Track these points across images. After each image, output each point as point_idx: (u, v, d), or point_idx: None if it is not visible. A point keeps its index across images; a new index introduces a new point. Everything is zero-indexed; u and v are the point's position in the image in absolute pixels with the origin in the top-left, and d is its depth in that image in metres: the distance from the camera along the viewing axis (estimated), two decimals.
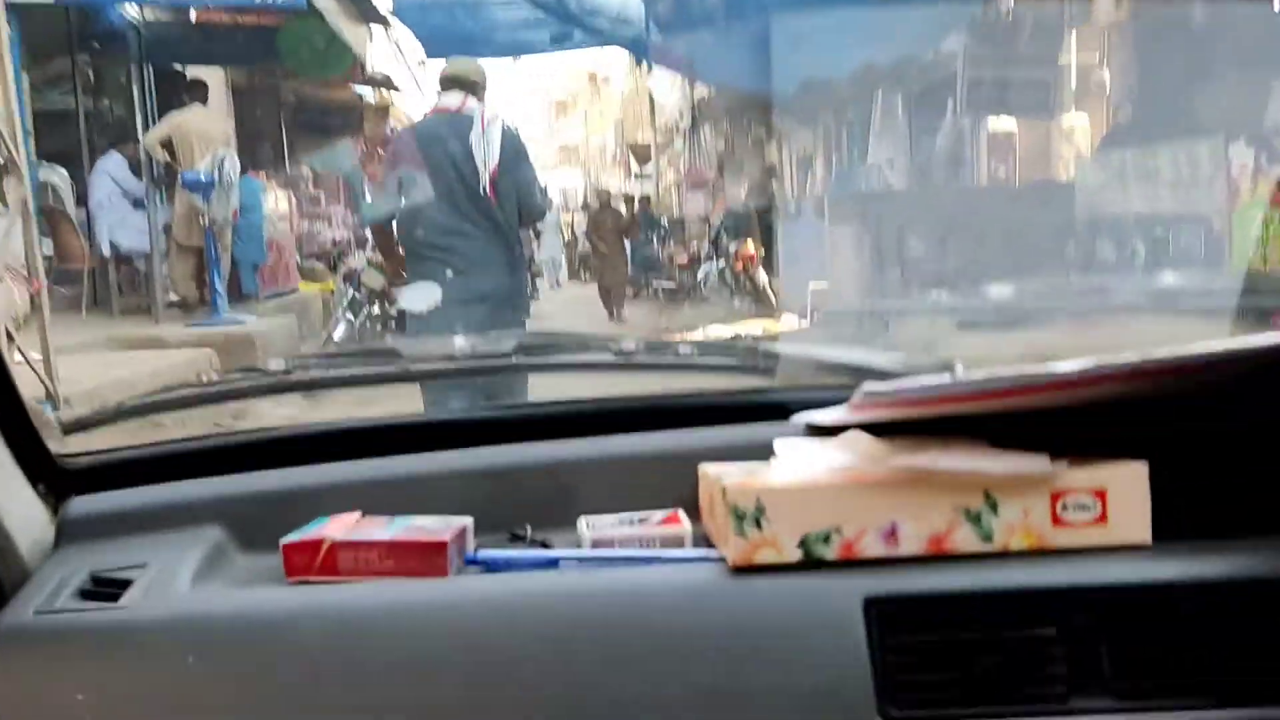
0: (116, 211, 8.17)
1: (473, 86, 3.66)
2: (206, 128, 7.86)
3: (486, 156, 3.50)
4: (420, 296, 3.51)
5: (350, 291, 6.31)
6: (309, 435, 1.19)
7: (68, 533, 1.05)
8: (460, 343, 1.24)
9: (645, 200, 15.97)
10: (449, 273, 3.51)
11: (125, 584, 0.95)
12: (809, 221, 11.04)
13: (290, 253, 10.06)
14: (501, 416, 1.24)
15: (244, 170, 8.23)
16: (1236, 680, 0.86)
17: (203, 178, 7.31)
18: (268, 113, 12.41)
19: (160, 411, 1.21)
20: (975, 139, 9.45)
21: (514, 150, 3.61)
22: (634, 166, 23.99)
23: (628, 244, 13.33)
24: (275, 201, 10.03)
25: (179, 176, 7.56)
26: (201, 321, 7.45)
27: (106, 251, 8.10)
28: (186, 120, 7.82)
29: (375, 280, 5.81)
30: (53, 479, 1.08)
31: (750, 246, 11.08)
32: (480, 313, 3.45)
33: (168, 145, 7.71)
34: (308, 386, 1.22)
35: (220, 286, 7.53)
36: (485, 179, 3.49)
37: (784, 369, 1.39)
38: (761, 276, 11.00)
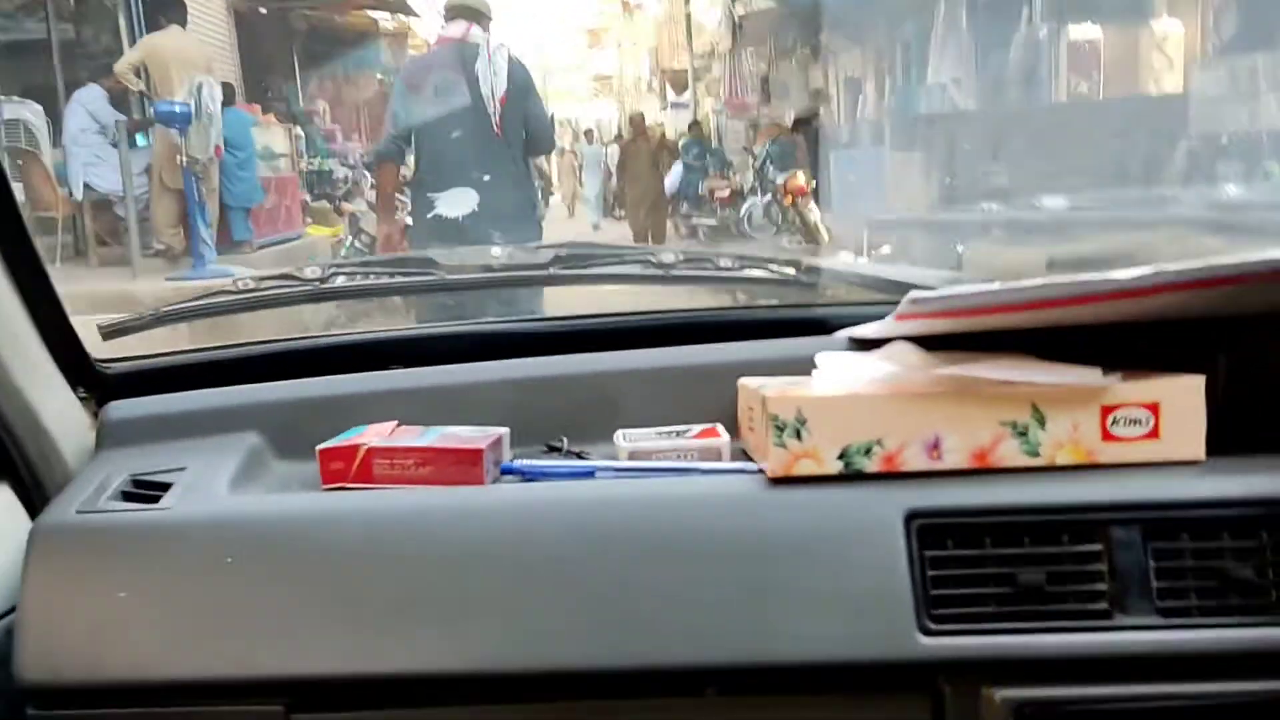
0: (91, 149, 7.10)
1: (477, 15, 3.57)
2: (185, 52, 6.95)
3: (493, 87, 3.45)
4: (456, 201, 3.44)
5: (350, 239, 5.65)
6: (346, 344, 1.18)
7: (107, 437, 1.06)
8: (497, 252, 1.22)
9: (696, 125, 14.55)
10: (450, 208, 3.48)
11: (165, 486, 0.96)
12: (865, 150, 10.23)
13: (294, 194, 9.25)
14: (540, 328, 1.22)
15: (230, 100, 7.33)
16: None
17: (176, 108, 6.40)
18: (274, 40, 11.75)
19: (197, 318, 1.21)
20: (1054, 50, 8.19)
21: (521, 81, 3.55)
22: (670, 95, 22.90)
23: (670, 178, 11.88)
24: (279, 137, 9.48)
25: (153, 108, 6.70)
26: (183, 275, 6.43)
27: (79, 193, 7.05)
28: (162, 44, 6.89)
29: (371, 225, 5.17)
30: (92, 384, 1.08)
31: (800, 179, 9.80)
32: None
33: (141, 72, 6.85)
34: (343, 295, 1.21)
35: (205, 234, 6.68)
36: (493, 109, 3.44)
37: (826, 284, 1.36)
38: (813, 212, 9.78)
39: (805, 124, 11.52)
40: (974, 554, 0.87)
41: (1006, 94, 8.48)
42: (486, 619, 0.86)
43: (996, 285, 0.89)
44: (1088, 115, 7.40)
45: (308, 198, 9.93)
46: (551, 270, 1.22)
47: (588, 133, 15.61)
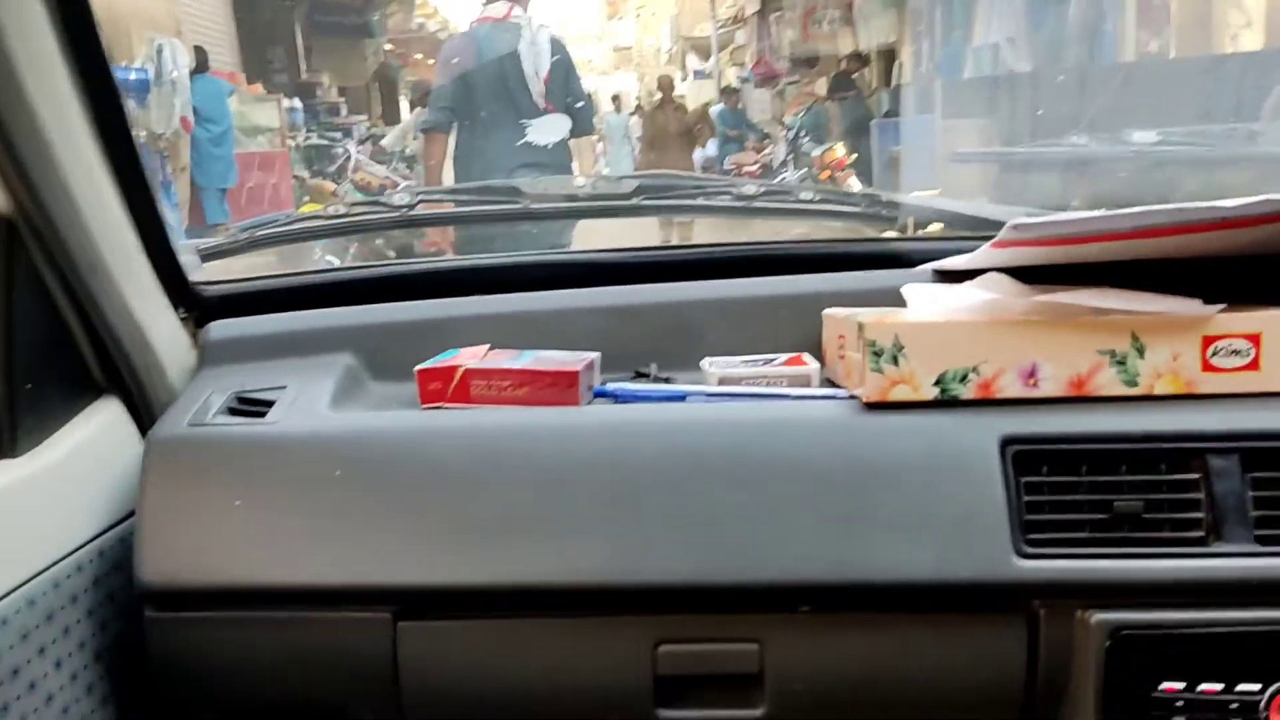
0: None
1: None
2: (147, 11, 6.43)
3: (537, 66, 3.49)
4: (550, 128, 3.40)
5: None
6: (438, 270, 1.20)
7: (208, 356, 1.09)
8: (581, 182, 1.22)
9: (732, 91, 13.39)
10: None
11: (268, 403, 0.99)
12: (911, 119, 9.12)
13: (284, 172, 8.38)
14: (626, 259, 1.23)
15: (203, 67, 6.56)
16: None
17: (132, 75, 5.66)
18: (274, 6, 11.36)
19: (291, 242, 1.23)
20: (1119, 5, 7.35)
21: (563, 60, 3.59)
22: (691, 63, 21.71)
23: (703, 151, 10.72)
24: (266, 110, 8.95)
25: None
26: None
27: None
28: (119, 1, 6.41)
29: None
30: (192, 304, 1.11)
31: (838, 151, 8.80)
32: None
33: None
34: (430, 222, 1.22)
35: (170, 217, 6.07)
36: (536, 88, 3.49)
37: (905, 218, 1.36)
38: (854, 188, 8.25)
39: (841, 92, 10.87)
40: (1070, 480, 0.87)
41: (1067, 53, 7.59)
42: (583, 534, 0.88)
43: (1100, 212, 0.89)
44: (1159, 76, 6.54)
45: (306, 175, 9.30)
46: (635, 200, 1.23)
47: (615, 98, 13.69)
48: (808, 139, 10.05)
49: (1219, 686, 0.84)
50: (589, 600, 0.89)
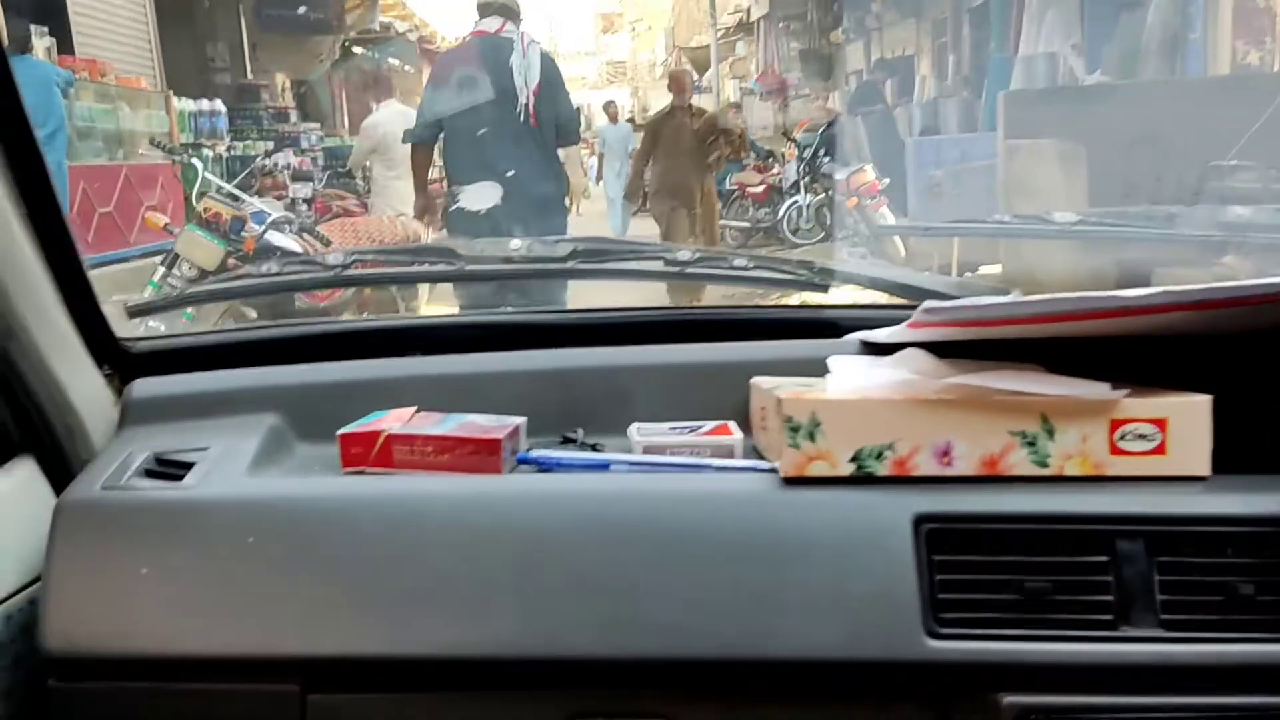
0: None
1: (510, 12, 3.80)
2: None
3: (527, 79, 3.66)
4: (481, 195, 3.51)
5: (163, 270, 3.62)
6: (368, 330, 1.20)
7: (130, 414, 1.08)
8: (516, 244, 1.23)
9: (732, 106, 12.15)
10: (485, 193, 3.65)
11: (188, 465, 0.98)
12: (956, 138, 7.91)
13: (170, 190, 7.01)
14: (557, 321, 1.24)
15: (23, 47, 5.17)
16: None
17: None
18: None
19: (220, 300, 1.22)
20: (1210, 9, 6.17)
21: (552, 74, 3.77)
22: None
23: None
24: (140, 110, 7.73)
25: None
26: None
27: None
28: None
29: (199, 252, 3.49)
30: (116, 361, 1.10)
31: (869, 174, 7.09)
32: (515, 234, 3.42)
33: None
34: (363, 282, 1.22)
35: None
36: (526, 100, 3.65)
37: (840, 286, 1.38)
38: (886, 219, 6.94)
39: (865, 106, 9.74)
40: (982, 560, 0.88)
41: (1144, 65, 6.34)
42: (500, 606, 0.88)
43: (1009, 298, 0.91)
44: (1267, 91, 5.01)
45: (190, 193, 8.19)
46: (570, 264, 1.24)
47: (608, 106, 12.15)
48: (827, 159, 8.66)
49: None
50: (501, 673, 0.88)
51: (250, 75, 11.31)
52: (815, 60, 13.41)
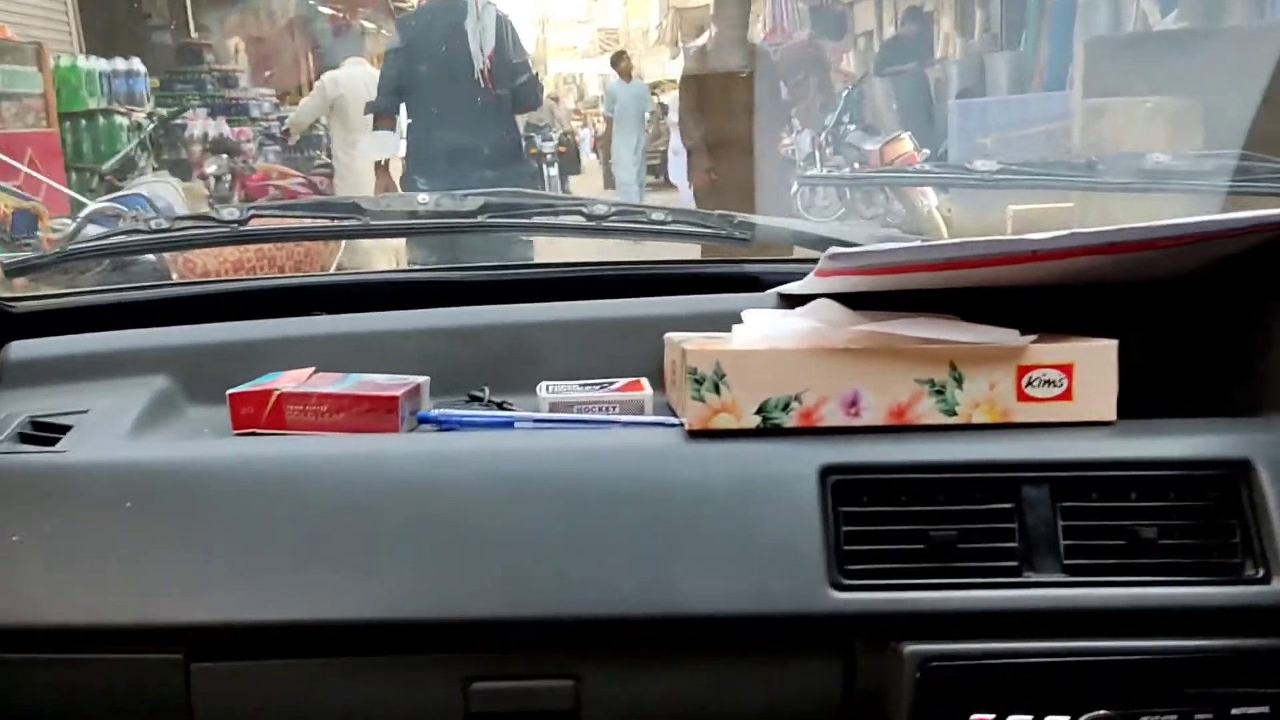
0: None
1: None
2: None
3: (482, 43, 3.53)
4: (380, 145, 3.49)
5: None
6: (262, 289, 1.15)
7: (7, 377, 1.02)
8: (424, 199, 1.19)
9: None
10: (440, 162, 3.61)
11: (64, 429, 0.93)
12: (1003, 99, 6.86)
13: (48, 164, 6.06)
14: (464, 277, 1.20)
15: None
16: (1191, 561, 0.86)
17: None
18: None
19: (105, 256, 1.16)
20: None
21: (509, 38, 3.62)
22: (680, 39, 17.57)
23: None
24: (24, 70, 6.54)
25: None
26: None
27: None
28: None
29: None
30: None
31: (906, 143, 6.11)
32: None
33: None
34: (261, 238, 1.17)
35: None
36: (481, 64, 3.54)
37: (759, 240, 1.35)
38: (926, 198, 5.47)
39: (895, 64, 8.16)
40: (888, 510, 0.87)
41: (1229, 7, 5.26)
42: (394, 568, 0.85)
43: (916, 243, 0.89)
44: None
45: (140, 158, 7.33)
46: (480, 219, 1.20)
47: (619, 59, 9.85)
48: (854, 127, 7.22)
49: (1029, 718, 0.84)
50: (395, 637, 0.85)
51: (195, 34, 10.11)
52: (828, 18, 11.58)
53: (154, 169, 7.13)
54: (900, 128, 6.62)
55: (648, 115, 8.48)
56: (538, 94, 4.14)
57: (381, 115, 3.87)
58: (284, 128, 7.03)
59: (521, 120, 4.77)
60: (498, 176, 3.56)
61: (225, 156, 7.09)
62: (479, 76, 3.56)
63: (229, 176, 6.86)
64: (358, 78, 5.23)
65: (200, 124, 8.39)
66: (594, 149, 11.73)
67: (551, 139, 10.02)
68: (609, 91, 9.35)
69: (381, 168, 4.13)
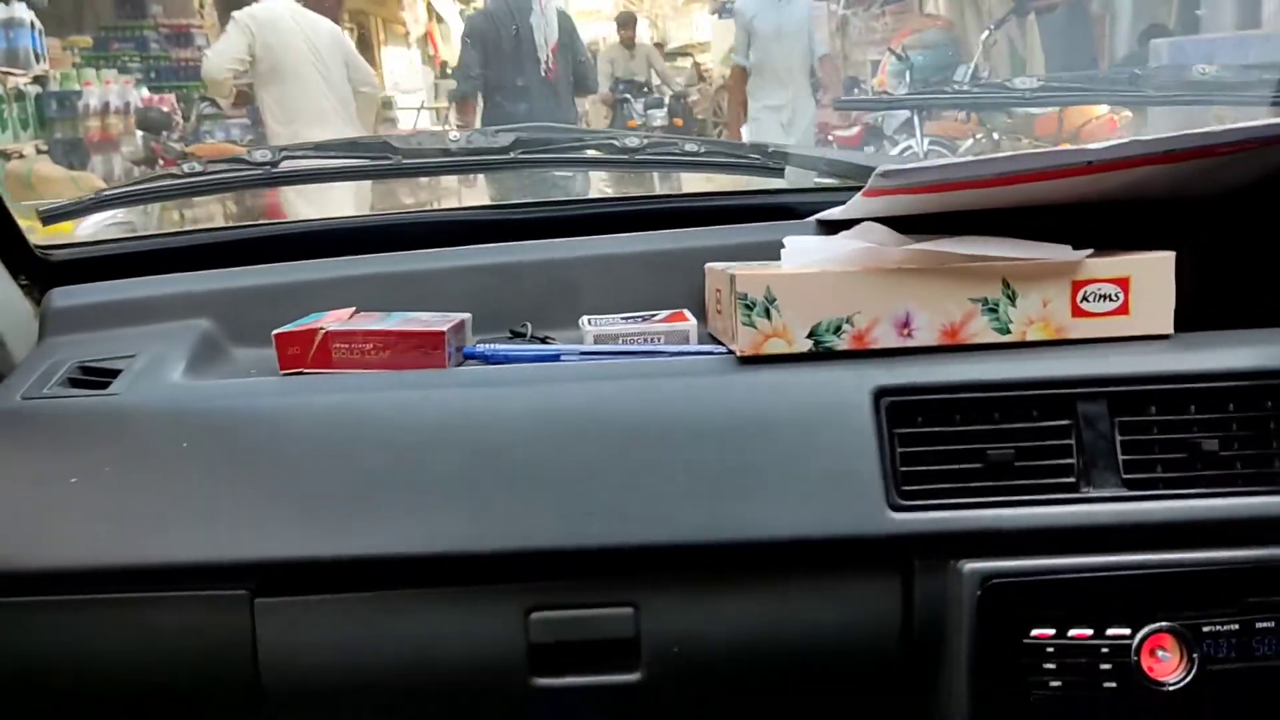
0: None
1: None
2: None
3: (546, 36, 4.05)
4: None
5: None
6: (302, 231, 1.14)
7: (52, 324, 1.02)
8: (455, 136, 1.17)
9: None
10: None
11: (114, 373, 0.93)
12: (1230, 36, 4.76)
13: None
14: (502, 216, 1.19)
15: None
16: (1250, 471, 0.85)
17: None
18: None
19: (140, 202, 1.16)
20: None
21: (568, 31, 4.17)
22: None
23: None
24: None
25: None
26: None
27: None
28: None
29: None
30: (34, 271, 1.04)
31: (1097, 110, 4.66)
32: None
33: None
34: (296, 179, 1.16)
35: None
36: (545, 56, 4.05)
37: (795, 169, 1.33)
38: None
39: None
40: (943, 431, 0.86)
41: None
42: (449, 501, 0.85)
43: (968, 158, 0.87)
44: None
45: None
46: (513, 154, 1.18)
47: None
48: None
49: (1089, 632, 0.84)
50: (455, 569, 0.86)
51: None
52: None
53: (38, 152, 5.50)
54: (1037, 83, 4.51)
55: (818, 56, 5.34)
56: (595, 79, 4.79)
57: (464, 99, 4.32)
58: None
59: (606, 80, 5.60)
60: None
61: (140, 135, 5.50)
62: (544, 66, 4.05)
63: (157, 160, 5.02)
64: (289, 19, 3.89)
65: (103, 92, 6.30)
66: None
67: (662, 101, 7.84)
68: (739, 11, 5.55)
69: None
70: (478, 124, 4.26)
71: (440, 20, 15.54)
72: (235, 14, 3.91)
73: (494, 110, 4.16)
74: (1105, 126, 4.57)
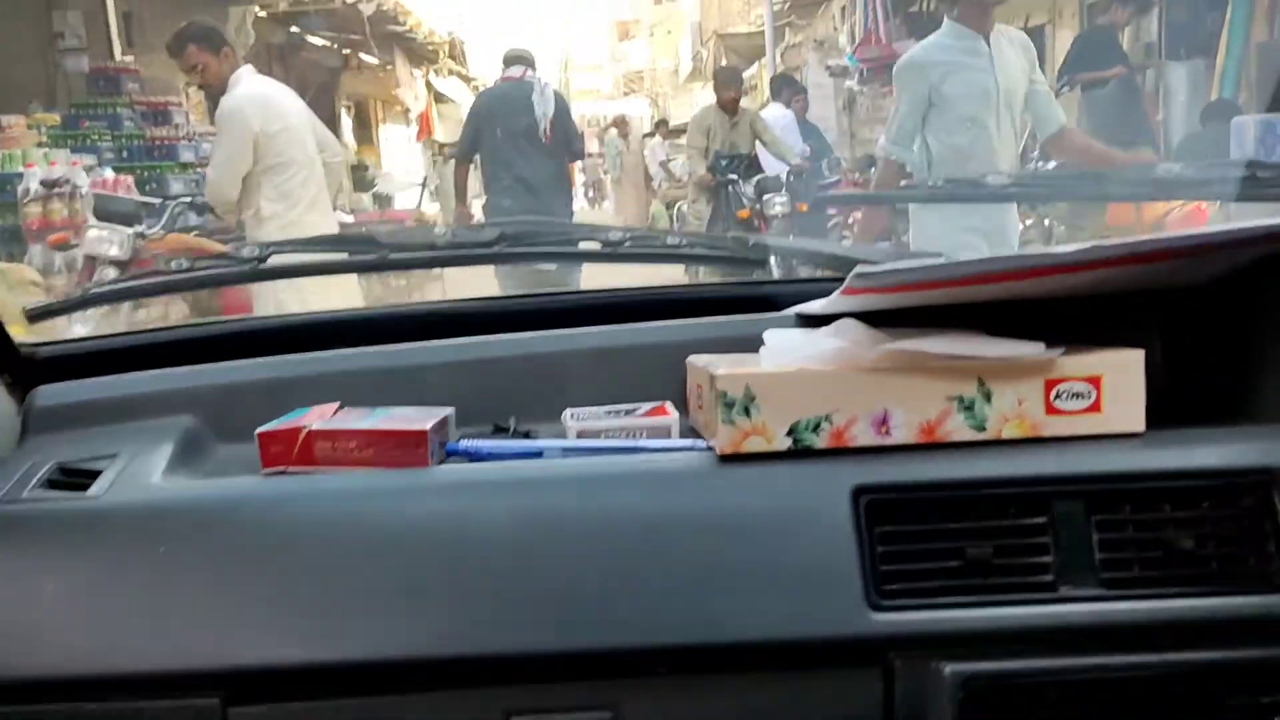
0: None
1: (529, 61, 5.35)
2: None
3: (544, 111, 5.13)
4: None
5: None
6: (286, 325, 1.15)
7: (34, 423, 1.02)
8: (441, 230, 1.19)
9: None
10: (514, 199, 5.12)
11: (94, 474, 0.93)
12: None
13: None
14: (486, 307, 1.20)
15: None
16: (1226, 570, 0.85)
17: None
18: None
19: (128, 299, 1.17)
20: None
21: (562, 108, 5.29)
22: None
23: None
24: None
25: None
26: None
27: None
28: None
29: None
30: (17, 369, 1.04)
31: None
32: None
33: None
34: (281, 274, 1.17)
35: None
36: (544, 128, 5.11)
37: (775, 261, 1.36)
38: None
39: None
40: (922, 529, 0.87)
41: None
42: (432, 604, 0.84)
43: (940, 260, 0.89)
44: None
45: None
46: (497, 249, 1.20)
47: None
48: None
49: None
50: (435, 674, 0.85)
51: (120, 58, 8.06)
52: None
53: None
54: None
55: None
56: (582, 147, 5.99)
57: (461, 161, 5.42)
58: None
59: (700, 156, 6.17)
60: (555, 200, 5.21)
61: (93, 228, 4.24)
62: (541, 135, 5.11)
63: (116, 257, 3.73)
64: (279, 99, 3.75)
65: (49, 174, 5.77)
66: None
67: (780, 181, 5.95)
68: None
69: (463, 198, 5.56)
70: (478, 183, 5.46)
71: (440, 100, 15.86)
72: (227, 106, 3.65)
73: (498, 169, 5.17)
74: (1192, 215, 3.74)
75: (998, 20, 3.12)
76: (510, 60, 5.40)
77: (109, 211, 4.27)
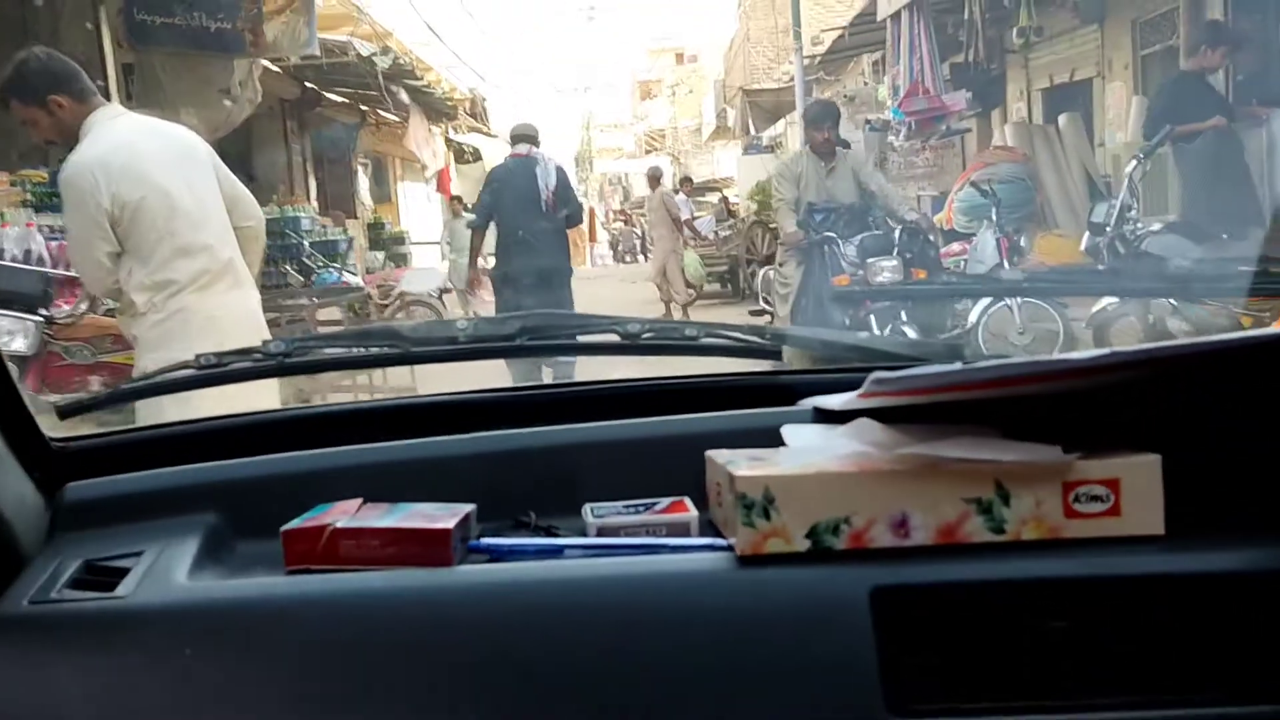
0: None
1: (534, 140, 6.14)
2: None
3: (547, 184, 5.92)
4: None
5: None
6: (309, 418, 1.17)
7: (63, 520, 1.04)
8: (463, 324, 1.22)
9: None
10: (521, 258, 5.86)
11: (122, 572, 0.94)
12: None
13: None
14: (505, 399, 1.22)
15: None
16: (1251, 675, 0.85)
17: None
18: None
19: (155, 394, 1.19)
20: None
21: (564, 181, 6.10)
22: (753, 128, 14.72)
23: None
24: None
25: None
26: None
27: None
28: None
29: None
30: (48, 465, 1.06)
31: None
32: (538, 283, 5.74)
33: None
34: (307, 369, 1.20)
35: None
36: (546, 198, 5.89)
37: (791, 352, 1.37)
38: None
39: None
40: (940, 631, 0.87)
41: None
42: (457, 706, 0.85)
43: (956, 366, 0.91)
44: None
45: None
46: (518, 342, 1.22)
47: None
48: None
49: None
50: None
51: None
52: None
53: None
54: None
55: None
56: (580, 214, 7.12)
57: (477, 229, 6.34)
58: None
59: (790, 210, 5.67)
60: (553, 267, 5.89)
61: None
62: (544, 205, 5.87)
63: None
64: (139, 155, 2.74)
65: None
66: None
67: (891, 241, 5.33)
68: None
69: (474, 263, 6.86)
70: (491, 245, 6.23)
71: (461, 159, 16.09)
72: (65, 173, 2.72)
73: (507, 232, 5.98)
74: None
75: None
76: (516, 138, 6.24)
77: (9, 291, 3.43)
